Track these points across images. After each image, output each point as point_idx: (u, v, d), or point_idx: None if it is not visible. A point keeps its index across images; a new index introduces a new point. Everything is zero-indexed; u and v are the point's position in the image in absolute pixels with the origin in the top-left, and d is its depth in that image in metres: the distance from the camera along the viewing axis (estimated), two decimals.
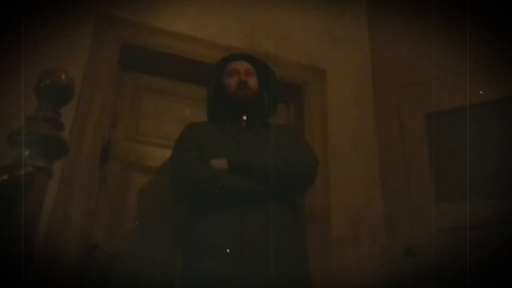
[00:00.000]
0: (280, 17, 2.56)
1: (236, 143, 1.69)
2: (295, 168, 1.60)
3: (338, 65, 2.59)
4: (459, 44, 2.29)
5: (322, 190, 2.23)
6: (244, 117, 1.78)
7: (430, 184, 2.21)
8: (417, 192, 2.23)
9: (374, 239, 2.25)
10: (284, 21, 2.56)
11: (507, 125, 2.11)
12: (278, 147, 1.69)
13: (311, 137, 2.32)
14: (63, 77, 0.89)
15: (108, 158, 2.05)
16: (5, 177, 0.73)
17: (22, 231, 0.71)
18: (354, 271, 2.15)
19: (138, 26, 2.19)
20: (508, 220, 1.96)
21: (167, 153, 1.91)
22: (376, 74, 2.58)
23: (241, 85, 1.79)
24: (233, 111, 1.79)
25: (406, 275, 2.11)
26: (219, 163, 1.59)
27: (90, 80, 2.02)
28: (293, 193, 1.75)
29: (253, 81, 1.84)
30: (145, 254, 1.95)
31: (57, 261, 1.71)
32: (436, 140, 2.26)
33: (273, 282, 1.44)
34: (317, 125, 2.39)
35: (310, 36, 2.59)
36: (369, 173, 2.39)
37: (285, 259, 1.50)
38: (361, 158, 2.41)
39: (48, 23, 2.03)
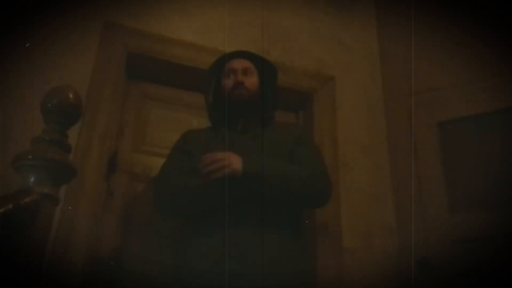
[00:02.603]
0: (288, 24, 2.53)
1: (229, 147, 1.58)
2: (307, 187, 1.51)
3: (348, 72, 2.55)
4: (472, 51, 2.25)
5: (333, 200, 2.18)
6: (241, 119, 1.68)
7: (443, 194, 2.16)
8: (430, 202, 2.18)
9: (386, 250, 2.20)
10: (292, 28, 2.53)
11: None
12: (279, 150, 1.61)
13: (321, 146, 2.26)
14: (71, 96, 0.84)
15: (114, 169, 2.02)
16: (10, 206, 0.70)
17: (27, 262, 0.67)
18: (365, 282, 2.11)
19: (144, 35, 2.16)
20: None
21: None
22: (386, 81, 2.53)
23: (237, 85, 1.69)
24: (229, 113, 1.70)
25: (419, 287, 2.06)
26: (234, 160, 1.43)
27: (96, 89, 1.99)
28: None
29: (251, 80, 1.73)
30: (152, 266, 1.91)
31: (64, 274, 1.68)
32: (449, 149, 2.21)
33: None
34: (327, 133, 2.34)
35: (319, 43, 2.55)
36: (381, 183, 2.34)
37: (280, 276, 1.41)
38: (372, 168, 2.37)
39: (54, 32, 2.00)
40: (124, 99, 2.16)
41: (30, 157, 0.78)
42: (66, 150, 0.84)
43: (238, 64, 1.75)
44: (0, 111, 1.69)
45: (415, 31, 2.49)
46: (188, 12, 2.32)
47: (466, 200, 2.11)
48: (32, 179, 0.78)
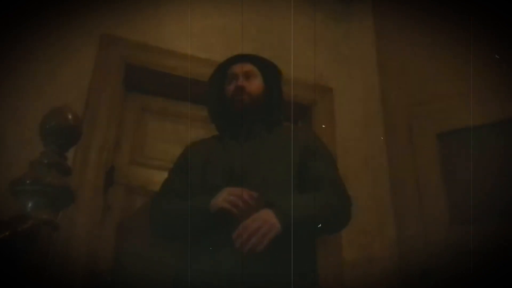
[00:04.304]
0: (287, 36, 2.52)
1: (231, 157, 1.52)
2: (336, 217, 1.44)
3: (346, 84, 2.55)
4: (473, 61, 2.24)
5: None
6: (244, 126, 1.59)
7: (443, 205, 2.14)
8: (430, 214, 2.16)
9: (387, 262, 2.18)
10: (291, 40, 2.52)
11: None
12: (285, 158, 1.51)
13: None
14: (70, 117, 0.82)
15: (112, 182, 2.00)
16: (6, 232, 0.67)
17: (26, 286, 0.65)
18: None
19: (142, 46, 2.15)
20: None
21: None
22: (385, 93, 2.52)
23: (238, 91, 1.61)
24: (232, 121, 1.63)
25: None
26: (272, 220, 1.25)
27: (94, 102, 1.98)
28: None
29: (253, 84, 1.64)
30: (149, 281, 1.88)
31: None
32: (448, 160, 2.20)
33: None
34: None
35: (317, 55, 2.55)
36: (380, 195, 2.32)
37: None
38: (371, 180, 2.35)
39: (51, 44, 1.99)
40: (121, 111, 2.14)
41: (28, 181, 0.76)
42: (65, 173, 0.82)
43: (240, 68, 1.68)
44: None
45: (414, 42, 2.49)
46: (185, 23, 2.30)
47: (466, 212, 2.09)
48: (30, 205, 0.75)
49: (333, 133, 2.37)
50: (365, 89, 2.58)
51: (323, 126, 2.36)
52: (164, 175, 2.06)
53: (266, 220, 1.25)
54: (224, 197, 1.34)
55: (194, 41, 2.28)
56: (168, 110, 2.29)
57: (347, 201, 1.51)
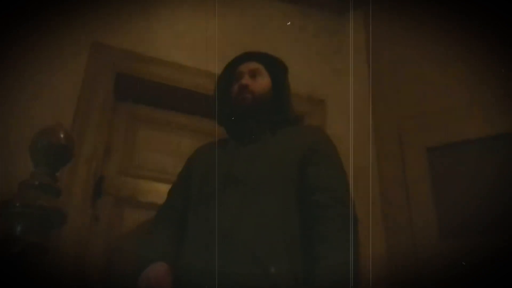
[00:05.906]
0: (279, 48, 2.51)
1: (229, 160, 1.43)
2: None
3: (338, 96, 2.55)
4: (464, 75, 2.26)
5: None
6: (247, 126, 1.51)
7: (433, 220, 2.14)
8: (420, 227, 2.16)
9: (376, 275, 2.17)
10: (283, 51, 2.51)
11: None
12: (285, 162, 1.41)
13: None
14: (62, 136, 0.80)
15: (100, 193, 1.96)
16: None
17: None
18: None
19: (133, 55, 2.13)
20: None
21: (162, 188, 1.83)
22: (376, 105, 2.53)
23: (241, 89, 1.53)
24: (236, 121, 1.54)
25: None
26: None
27: (83, 110, 1.95)
28: None
29: (257, 82, 1.56)
30: None
31: None
32: (439, 174, 2.21)
33: None
34: None
35: (309, 67, 2.55)
36: (370, 208, 2.32)
37: None
38: (361, 193, 2.34)
39: (41, 52, 1.96)
40: (111, 120, 2.12)
41: (17, 204, 0.73)
42: (56, 194, 0.80)
43: (246, 66, 1.61)
44: None
45: (406, 55, 2.51)
46: (177, 33, 2.29)
47: (456, 226, 2.10)
48: (19, 228, 0.73)
49: None
50: (357, 102, 2.58)
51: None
52: (154, 185, 2.07)
53: None
54: (145, 275, 1.33)
55: (185, 51, 2.27)
56: (159, 120, 2.27)
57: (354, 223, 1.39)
